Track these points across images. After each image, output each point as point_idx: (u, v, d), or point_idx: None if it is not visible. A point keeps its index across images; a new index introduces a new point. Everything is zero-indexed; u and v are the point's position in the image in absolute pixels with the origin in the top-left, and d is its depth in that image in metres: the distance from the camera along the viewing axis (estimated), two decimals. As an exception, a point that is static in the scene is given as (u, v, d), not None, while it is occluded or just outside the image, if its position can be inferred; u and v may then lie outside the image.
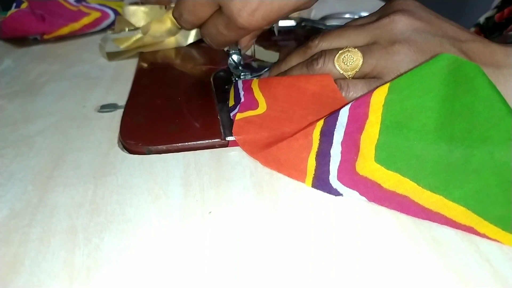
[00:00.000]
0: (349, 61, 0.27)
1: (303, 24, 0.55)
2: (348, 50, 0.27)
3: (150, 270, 0.19)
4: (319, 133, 0.24)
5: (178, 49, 0.49)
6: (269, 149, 0.26)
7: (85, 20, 0.55)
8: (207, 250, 0.20)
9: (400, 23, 0.27)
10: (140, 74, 0.41)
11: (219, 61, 0.44)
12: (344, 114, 0.24)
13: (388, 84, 0.22)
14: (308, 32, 0.55)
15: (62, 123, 0.32)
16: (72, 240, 0.21)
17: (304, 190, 0.24)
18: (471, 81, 0.21)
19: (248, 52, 0.39)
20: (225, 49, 0.36)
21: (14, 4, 0.53)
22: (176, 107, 0.34)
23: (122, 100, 0.36)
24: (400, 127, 0.22)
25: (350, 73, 0.28)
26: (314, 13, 0.61)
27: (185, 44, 0.50)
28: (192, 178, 0.25)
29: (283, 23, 0.54)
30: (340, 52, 0.28)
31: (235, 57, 0.36)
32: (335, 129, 0.24)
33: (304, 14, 0.58)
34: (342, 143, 0.24)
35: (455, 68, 0.21)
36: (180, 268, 0.19)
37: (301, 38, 0.53)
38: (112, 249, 0.20)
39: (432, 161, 0.21)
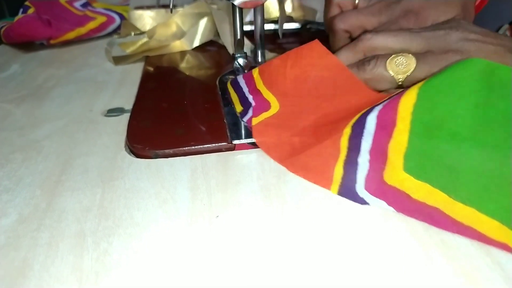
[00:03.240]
0: (402, 65, 0.28)
1: (308, 26, 0.55)
2: (402, 54, 0.28)
3: (158, 274, 0.19)
4: (347, 141, 0.24)
5: (184, 53, 0.49)
6: (297, 156, 0.26)
7: (91, 25, 0.56)
8: (215, 254, 0.20)
9: (454, 35, 0.28)
10: (146, 78, 0.42)
11: (224, 64, 0.44)
12: (371, 121, 0.23)
13: (416, 91, 0.22)
14: (313, 35, 0.54)
15: (69, 127, 0.33)
16: (80, 244, 0.21)
17: (312, 193, 0.24)
18: (506, 86, 0.20)
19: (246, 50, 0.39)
20: (231, 52, 0.36)
21: (21, 10, 0.54)
22: (182, 110, 0.34)
23: (128, 104, 0.36)
24: (430, 135, 0.21)
25: (401, 77, 0.28)
26: (319, 16, 0.61)
27: (190, 48, 0.50)
28: (199, 182, 0.25)
29: (288, 25, 0.54)
30: (393, 55, 0.28)
31: (240, 61, 0.36)
32: (363, 137, 0.23)
33: (309, 16, 0.58)
34: (370, 152, 0.23)
35: (488, 73, 0.20)
36: (188, 272, 0.19)
37: (306, 40, 0.53)
38: (121, 253, 0.20)
39: (465, 171, 0.20)
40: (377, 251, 0.20)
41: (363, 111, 0.24)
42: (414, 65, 0.27)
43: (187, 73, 0.43)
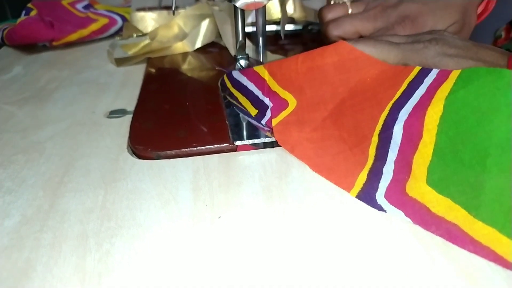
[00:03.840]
0: None
1: (309, 27, 0.55)
2: None
3: (161, 275, 0.19)
4: (375, 150, 0.24)
5: (186, 54, 0.49)
6: (322, 158, 0.26)
7: (93, 27, 0.56)
8: (217, 254, 0.20)
9: (433, 49, 0.27)
10: (148, 80, 0.42)
11: (226, 66, 0.44)
12: (398, 132, 0.23)
13: (443, 102, 0.21)
14: (314, 36, 0.55)
15: (72, 129, 0.33)
16: (83, 245, 0.21)
17: (314, 194, 0.24)
18: None
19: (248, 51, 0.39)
20: (233, 54, 0.36)
21: (24, 12, 0.54)
22: (184, 112, 0.34)
23: (131, 106, 0.36)
24: (455, 150, 0.20)
25: None
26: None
27: (192, 49, 0.50)
28: (201, 183, 0.25)
29: (289, 27, 0.54)
30: None
31: (242, 62, 0.36)
32: (390, 147, 0.23)
33: (310, 17, 0.58)
34: (395, 162, 0.23)
35: None
36: (191, 273, 0.19)
37: (308, 41, 0.53)
38: (123, 254, 0.20)
39: (488, 190, 0.19)
40: (379, 251, 0.20)
41: (388, 109, 0.24)
42: None
43: (189, 75, 0.43)
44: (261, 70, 0.31)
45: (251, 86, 0.32)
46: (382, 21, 0.37)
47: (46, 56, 0.52)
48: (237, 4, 0.32)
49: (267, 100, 0.30)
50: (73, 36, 0.54)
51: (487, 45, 0.29)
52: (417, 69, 0.24)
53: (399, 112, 0.23)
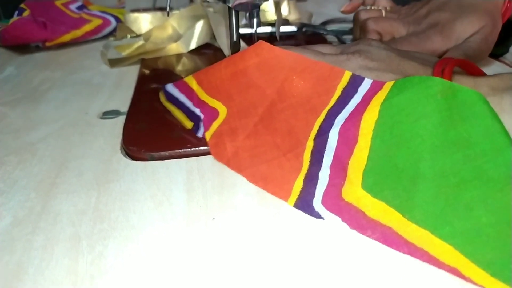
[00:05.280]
0: None
1: (304, 29, 0.55)
2: None
3: (154, 277, 0.19)
4: (309, 155, 0.24)
5: (180, 56, 0.49)
6: (257, 167, 0.25)
7: (87, 27, 0.55)
8: (211, 256, 0.20)
9: (354, 62, 0.27)
10: (142, 81, 0.42)
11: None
12: (333, 137, 0.23)
13: (378, 108, 0.21)
14: (309, 37, 0.55)
15: (65, 130, 0.32)
16: (75, 247, 0.21)
17: (308, 195, 0.24)
18: (469, 109, 0.19)
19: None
20: (227, 55, 0.36)
21: (16, 12, 0.53)
22: (178, 113, 0.34)
23: (124, 107, 0.36)
24: (389, 154, 0.21)
25: None
26: (315, 19, 0.62)
27: (187, 51, 0.50)
28: (195, 184, 0.25)
29: (284, 28, 0.55)
30: None
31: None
32: (325, 152, 0.23)
33: (304, 19, 0.58)
34: (330, 167, 0.23)
35: (451, 94, 0.20)
36: (184, 275, 0.19)
37: (302, 43, 0.53)
38: (116, 256, 0.20)
39: (421, 192, 0.20)
40: (376, 251, 0.20)
41: (323, 115, 0.24)
42: None
43: (183, 76, 0.43)
44: (190, 80, 0.31)
45: (183, 98, 0.31)
46: (414, 28, 0.41)
47: (39, 57, 0.51)
48: (231, 5, 0.32)
49: (197, 111, 0.30)
50: (67, 37, 0.53)
51: (417, 54, 0.29)
52: (348, 74, 0.25)
53: (335, 119, 0.23)
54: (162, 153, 0.28)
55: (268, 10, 0.55)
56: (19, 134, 0.32)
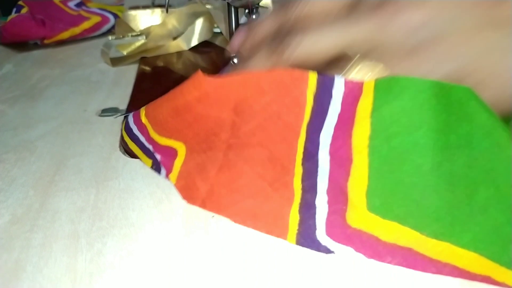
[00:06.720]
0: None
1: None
2: None
3: (153, 275, 0.19)
4: (300, 182, 0.21)
5: (179, 53, 0.49)
6: (241, 203, 0.22)
7: (86, 25, 0.55)
8: (210, 254, 0.20)
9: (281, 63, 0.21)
10: (141, 78, 0.41)
11: (220, 65, 0.44)
12: (324, 159, 0.20)
13: (369, 121, 0.19)
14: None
15: (63, 128, 0.32)
16: (74, 245, 0.20)
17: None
18: (465, 107, 0.18)
19: None
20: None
21: (14, 9, 0.53)
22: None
23: (123, 104, 0.36)
24: (391, 170, 0.19)
25: None
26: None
27: (188, 48, 0.50)
28: (195, 182, 0.25)
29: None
30: None
31: (236, 61, 0.36)
32: (318, 176, 0.20)
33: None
34: (327, 192, 0.20)
35: (444, 95, 0.18)
36: (184, 273, 0.19)
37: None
38: (115, 254, 0.20)
39: (434, 205, 0.18)
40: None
41: (303, 133, 0.21)
42: None
43: (182, 74, 0.43)
44: (142, 111, 0.27)
45: (136, 130, 0.28)
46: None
47: (37, 54, 0.51)
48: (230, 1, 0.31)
49: (151, 148, 0.26)
50: (65, 34, 0.53)
51: None
52: (312, 75, 0.20)
53: (319, 136, 0.20)
54: (161, 150, 0.28)
55: (268, 7, 0.55)
56: (17, 131, 0.32)
